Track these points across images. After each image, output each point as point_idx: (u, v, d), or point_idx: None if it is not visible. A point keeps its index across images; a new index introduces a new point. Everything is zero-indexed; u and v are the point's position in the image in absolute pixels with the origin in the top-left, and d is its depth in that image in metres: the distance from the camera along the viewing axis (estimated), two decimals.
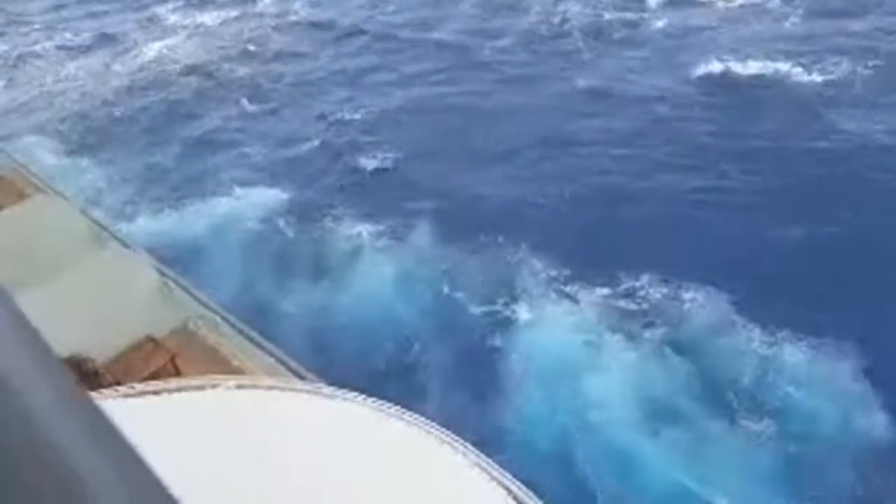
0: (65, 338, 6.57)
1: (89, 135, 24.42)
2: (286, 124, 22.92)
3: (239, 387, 4.28)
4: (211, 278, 15.19)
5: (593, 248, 15.90)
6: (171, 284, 9.64)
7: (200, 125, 23.92)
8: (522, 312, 14.63)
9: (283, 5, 32.82)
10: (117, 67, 29.26)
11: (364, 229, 17.31)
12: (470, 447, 3.71)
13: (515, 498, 3.33)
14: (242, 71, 27.11)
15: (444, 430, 3.84)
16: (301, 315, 14.99)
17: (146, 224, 18.64)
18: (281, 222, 17.97)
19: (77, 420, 0.51)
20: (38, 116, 26.37)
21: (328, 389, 4.35)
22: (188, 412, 4.04)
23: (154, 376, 7.00)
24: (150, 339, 8.10)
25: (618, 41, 24.09)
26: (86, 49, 32.08)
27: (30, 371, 0.53)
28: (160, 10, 34.70)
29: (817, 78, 20.05)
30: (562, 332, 13.99)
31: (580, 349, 13.58)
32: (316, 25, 30.24)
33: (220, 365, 7.91)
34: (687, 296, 14.32)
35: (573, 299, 14.69)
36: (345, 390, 4.27)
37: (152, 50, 29.93)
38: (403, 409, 4.03)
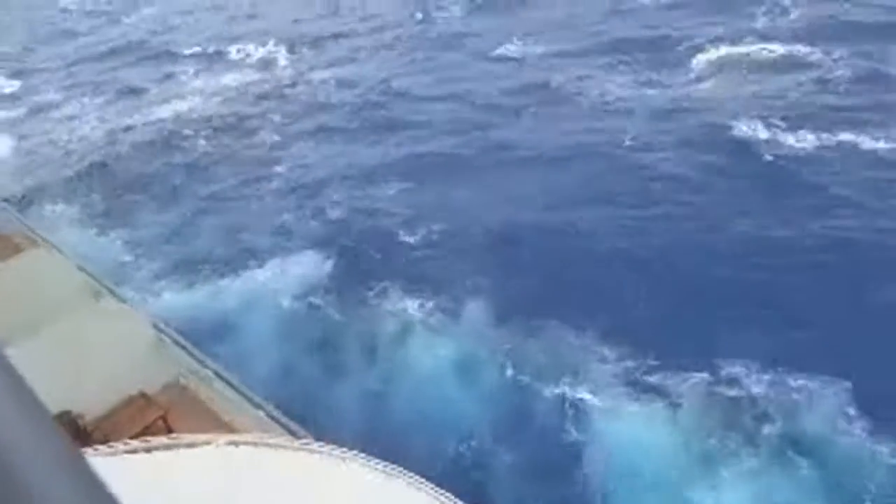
0: (56, 393, 6.51)
1: (111, 201, 22.79)
2: (317, 190, 21.19)
3: (230, 444, 4.22)
4: (249, 362, 13.59)
5: (672, 329, 13.79)
6: (165, 339, 9.61)
7: (227, 189, 22.26)
8: (600, 403, 12.59)
9: (301, 66, 31.70)
10: (137, 128, 27.90)
11: (412, 306, 15.57)
12: None
13: None
14: (266, 133, 25.64)
15: (440, 489, 3.86)
16: (354, 404, 13.08)
17: (175, 300, 16.81)
18: (320, 298, 16.36)
19: (69, 480, 0.51)
20: (56, 178, 24.83)
21: (319, 446, 4.41)
22: (180, 470, 3.92)
23: (145, 432, 6.85)
24: (142, 395, 7.84)
25: (659, 112, 22.15)
26: (105, 107, 30.87)
27: (23, 430, 0.52)
28: (180, 70, 33.80)
29: (874, 144, 18.17)
30: (652, 429, 11.83)
31: (679, 450, 11.37)
32: (340, 85, 28.87)
33: (212, 421, 7.80)
34: (795, 384, 12.30)
35: (661, 390, 12.59)
36: (335, 447, 4.30)
37: (174, 109, 28.67)
38: (398, 468, 4.00)
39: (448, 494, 4.06)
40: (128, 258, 19.12)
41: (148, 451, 4.26)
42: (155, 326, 9.74)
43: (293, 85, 29.63)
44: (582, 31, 28.77)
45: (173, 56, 35.62)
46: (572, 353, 13.58)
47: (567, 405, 12.63)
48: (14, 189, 23.92)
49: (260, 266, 17.66)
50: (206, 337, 12.99)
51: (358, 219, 19.23)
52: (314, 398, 13.06)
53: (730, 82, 22.82)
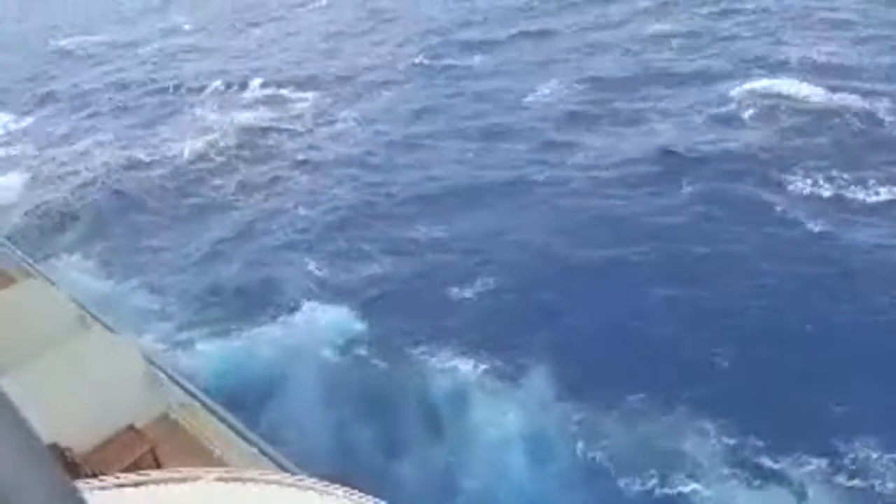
0: (44, 426, 6.16)
1: (128, 244, 20.84)
2: (344, 231, 19.40)
3: (219, 479, 4.26)
4: (296, 426, 12.09)
5: (771, 398, 12.07)
6: (157, 372, 9.68)
7: (249, 231, 20.36)
8: (704, 491, 10.57)
9: (317, 104, 29.81)
10: (152, 165, 25.94)
11: (466, 367, 13.79)
12: None
13: None
14: (286, 171, 23.81)
15: None
16: (413, 477, 11.19)
17: (207, 353, 15.18)
18: (363, 350, 14.66)
19: None
20: (69, 220, 22.91)
21: (310, 482, 4.47)
22: None
23: (134, 467, 6.90)
24: (131, 429, 7.89)
25: (704, 155, 19.92)
26: (116, 144, 28.95)
27: (20, 462, 0.52)
28: (189, 107, 32.16)
29: None
30: None
31: None
32: (359, 123, 26.96)
33: (202, 455, 7.89)
34: None
35: (778, 477, 10.83)
36: (325, 483, 4.38)
37: (188, 147, 26.63)
38: None
39: None
40: (152, 307, 17.34)
41: (136, 485, 4.19)
42: (146, 359, 9.62)
43: (310, 122, 28.04)
44: (611, 65, 27.35)
45: (181, 93, 34.47)
46: (658, 427, 11.55)
47: (661, 493, 10.60)
48: (26, 232, 22.11)
49: (293, 314, 16.00)
50: (247, 398, 11.86)
51: (392, 262, 17.42)
52: (368, 469, 11.11)
53: (774, 125, 20.97)
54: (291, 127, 28.00)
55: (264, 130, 28.06)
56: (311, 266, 18.05)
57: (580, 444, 11.73)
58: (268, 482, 4.47)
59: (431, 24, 38.43)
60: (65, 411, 7.62)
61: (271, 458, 7.97)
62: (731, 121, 21.82)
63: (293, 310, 16.24)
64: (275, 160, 25.18)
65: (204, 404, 9.15)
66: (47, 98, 38.44)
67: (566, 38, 32.06)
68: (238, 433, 8.57)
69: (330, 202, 21.26)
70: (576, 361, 13.29)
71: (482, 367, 13.62)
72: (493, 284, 15.94)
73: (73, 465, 7.16)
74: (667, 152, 20.24)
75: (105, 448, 7.68)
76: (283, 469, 7.48)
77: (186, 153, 26.24)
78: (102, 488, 4.20)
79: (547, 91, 26.22)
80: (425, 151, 23.55)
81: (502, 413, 12.52)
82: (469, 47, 33.18)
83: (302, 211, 20.98)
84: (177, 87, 35.58)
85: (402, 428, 12.48)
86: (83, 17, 60.34)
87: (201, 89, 34.43)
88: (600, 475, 11.18)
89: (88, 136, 30.81)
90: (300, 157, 25.03)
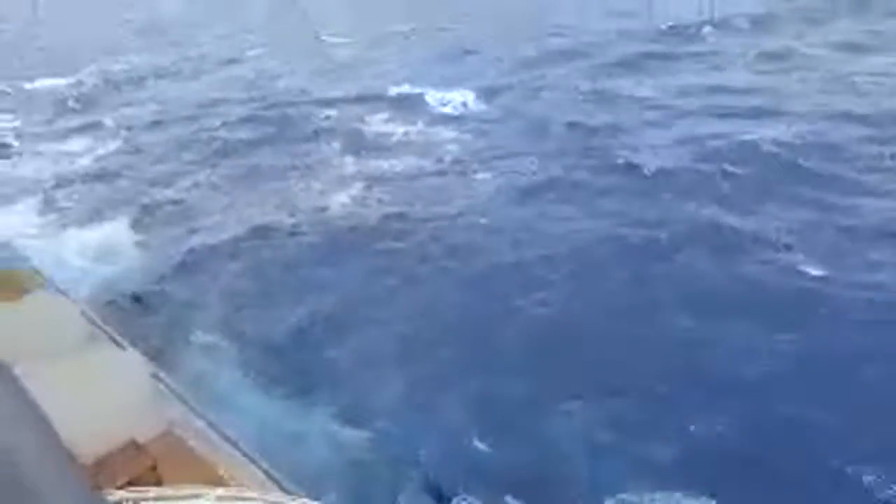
0: None
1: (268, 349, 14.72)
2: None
3: (220, 498, 4.23)
4: None
5: None
6: (162, 388, 9.70)
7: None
8: None
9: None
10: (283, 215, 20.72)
11: None
12: None
13: None
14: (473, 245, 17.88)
15: None
16: None
17: None
18: None
19: None
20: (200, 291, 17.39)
21: None
22: None
23: (134, 483, 6.93)
24: (133, 444, 7.82)
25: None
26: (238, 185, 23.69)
27: (48, 471, 0.74)
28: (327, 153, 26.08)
29: None
30: None
31: None
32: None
33: (205, 474, 7.86)
34: None
35: None
36: None
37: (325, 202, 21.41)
38: None
39: None
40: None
41: (136, 502, 4.24)
42: (153, 375, 9.56)
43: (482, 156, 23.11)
44: None
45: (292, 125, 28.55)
46: None
47: None
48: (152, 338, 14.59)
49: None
50: None
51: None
52: None
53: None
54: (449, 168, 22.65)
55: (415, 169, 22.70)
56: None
57: None
58: (270, 502, 4.36)
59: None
60: (67, 424, 7.63)
61: (275, 481, 7.91)
62: None
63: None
64: (445, 216, 19.15)
65: (209, 422, 9.03)
66: (100, 125, 33.27)
67: None
68: (243, 453, 8.48)
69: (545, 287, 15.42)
70: None
71: None
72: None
73: None
74: None
75: (106, 463, 7.54)
76: (287, 492, 7.46)
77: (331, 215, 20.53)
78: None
79: None
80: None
81: None
82: None
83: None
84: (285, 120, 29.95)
85: None
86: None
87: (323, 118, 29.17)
88: None
89: (178, 175, 25.21)
90: (481, 219, 18.83)
